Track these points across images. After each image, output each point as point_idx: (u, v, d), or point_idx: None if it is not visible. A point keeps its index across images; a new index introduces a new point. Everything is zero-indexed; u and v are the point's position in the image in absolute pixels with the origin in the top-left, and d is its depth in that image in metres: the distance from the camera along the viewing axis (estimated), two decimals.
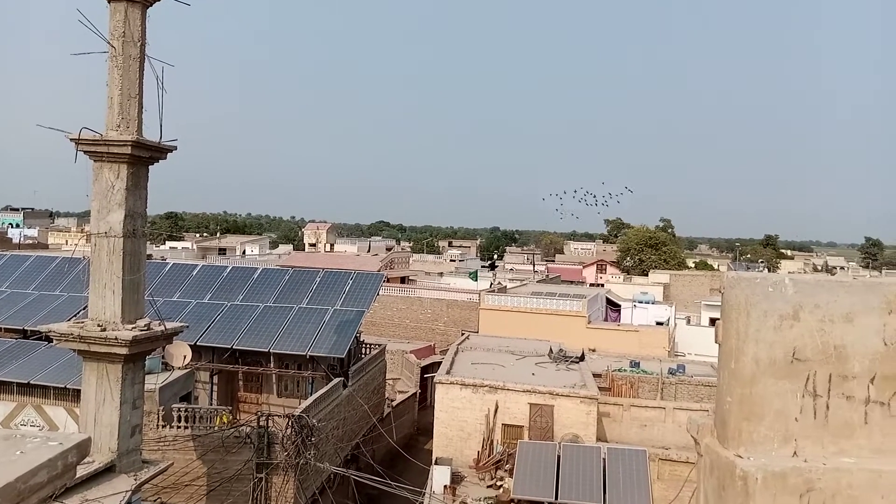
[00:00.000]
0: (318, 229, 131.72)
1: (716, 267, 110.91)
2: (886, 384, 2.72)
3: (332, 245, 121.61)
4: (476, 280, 68.20)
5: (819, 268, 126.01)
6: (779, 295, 2.69)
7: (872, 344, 2.71)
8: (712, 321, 56.14)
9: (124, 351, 14.96)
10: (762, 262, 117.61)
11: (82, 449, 3.02)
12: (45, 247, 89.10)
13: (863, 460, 2.64)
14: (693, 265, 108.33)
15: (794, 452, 2.65)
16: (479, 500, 21.42)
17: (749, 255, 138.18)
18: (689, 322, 56.22)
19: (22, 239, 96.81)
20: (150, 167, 16.27)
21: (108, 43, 15.42)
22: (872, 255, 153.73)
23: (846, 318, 2.70)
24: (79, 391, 16.68)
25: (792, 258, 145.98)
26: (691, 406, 29.24)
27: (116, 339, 14.91)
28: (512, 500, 21.17)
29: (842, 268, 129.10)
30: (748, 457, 2.63)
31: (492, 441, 25.01)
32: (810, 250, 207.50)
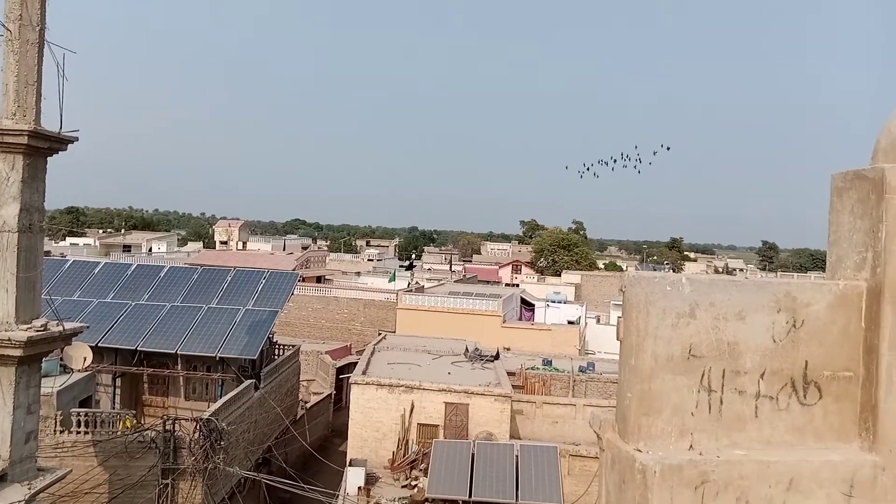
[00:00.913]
0: (229, 226, 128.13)
1: (624, 268, 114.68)
2: (775, 379, 2.87)
3: (244, 243, 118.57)
4: (394, 281, 67.99)
5: (720, 269, 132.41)
6: (676, 293, 2.79)
7: (763, 340, 2.85)
8: None
9: (18, 353, 14.15)
10: (667, 263, 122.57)
11: None
12: None
13: (753, 452, 2.77)
14: (603, 266, 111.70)
15: (691, 445, 2.76)
16: (394, 500, 21.39)
17: (655, 257, 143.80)
18: (598, 321, 57.98)
19: None
20: (48, 159, 15.43)
21: (4, 26, 14.51)
22: (769, 257, 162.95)
23: (739, 315, 2.83)
24: None
25: (695, 260, 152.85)
26: (600, 403, 30.12)
27: (10, 340, 14.08)
28: (426, 500, 21.24)
29: (741, 269, 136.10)
30: (647, 450, 2.71)
31: (407, 441, 25.02)
32: (712, 253, 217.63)
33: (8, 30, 14.60)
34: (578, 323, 53.41)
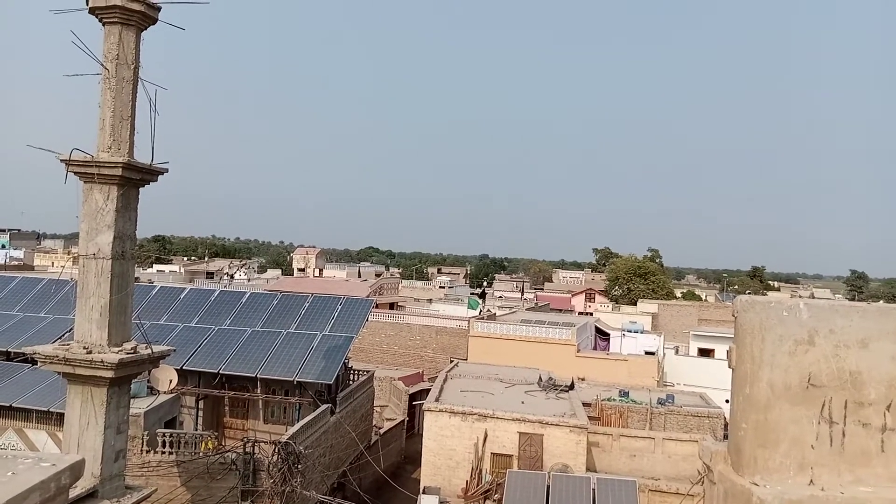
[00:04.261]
0: (307, 254, 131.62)
1: (703, 297, 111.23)
2: None
3: (321, 270, 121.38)
4: (476, 307, 68.03)
5: None
6: (794, 319, 2.64)
7: (888, 370, 2.66)
8: (701, 351, 56.18)
9: (110, 374, 14.72)
10: (749, 293, 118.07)
11: (76, 471, 2.91)
12: (31, 268, 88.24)
13: (880, 489, 2.57)
14: (681, 295, 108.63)
15: (811, 480, 2.59)
16: None
17: (736, 286, 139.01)
18: (677, 352, 56.24)
19: (7, 260, 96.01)
20: (140, 189, 16.17)
21: (102, 65, 15.39)
22: (858, 287, 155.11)
23: (861, 343, 2.65)
24: (62, 415, 16.38)
25: (778, 290, 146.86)
26: (681, 436, 29.10)
27: (102, 361, 14.66)
28: None
29: (827, 300, 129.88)
30: (764, 484, 2.56)
31: (480, 470, 24.74)
32: (797, 282, 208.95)
33: (105, 69, 15.47)
34: (656, 354, 51.96)
